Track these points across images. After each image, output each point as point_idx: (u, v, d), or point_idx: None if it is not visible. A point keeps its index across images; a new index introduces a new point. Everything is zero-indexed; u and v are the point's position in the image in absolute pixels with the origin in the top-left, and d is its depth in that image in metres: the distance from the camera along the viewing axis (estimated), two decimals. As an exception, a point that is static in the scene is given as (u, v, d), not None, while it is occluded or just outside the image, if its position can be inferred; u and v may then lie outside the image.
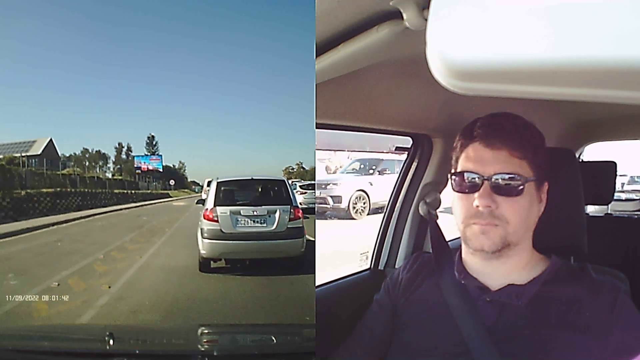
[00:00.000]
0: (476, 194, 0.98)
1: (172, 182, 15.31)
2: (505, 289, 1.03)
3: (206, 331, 1.97)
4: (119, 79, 17.28)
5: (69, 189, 10.97)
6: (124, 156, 15.09)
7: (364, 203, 9.62)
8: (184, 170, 16.46)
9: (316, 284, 1.80)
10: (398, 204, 2.02)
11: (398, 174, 2.09)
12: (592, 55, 0.36)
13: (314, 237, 5.69)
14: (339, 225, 9.05)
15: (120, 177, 14.30)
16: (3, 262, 5.15)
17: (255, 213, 4.72)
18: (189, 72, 17.97)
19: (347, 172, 10.98)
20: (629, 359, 0.89)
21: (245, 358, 1.56)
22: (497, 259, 1.02)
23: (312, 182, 11.58)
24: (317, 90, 1.32)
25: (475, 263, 1.07)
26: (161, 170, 14.57)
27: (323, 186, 9.70)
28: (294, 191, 5.42)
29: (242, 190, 5.26)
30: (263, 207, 4.76)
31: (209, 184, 6.32)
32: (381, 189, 8.83)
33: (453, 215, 1.06)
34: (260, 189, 5.24)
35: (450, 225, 1.15)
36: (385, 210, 2.10)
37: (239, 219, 4.70)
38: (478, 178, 0.99)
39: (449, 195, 1.10)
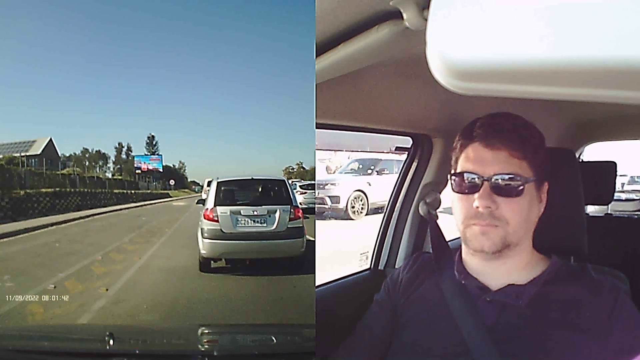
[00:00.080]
0: (476, 195, 0.98)
1: (172, 182, 15.31)
2: (505, 289, 1.03)
3: (206, 331, 1.97)
4: (119, 79, 17.26)
5: (68, 189, 10.95)
6: (124, 156, 15.09)
7: (362, 203, 9.61)
8: (184, 170, 16.47)
9: (316, 284, 1.80)
10: (398, 204, 2.02)
11: (398, 174, 2.09)
12: (592, 55, 0.36)
13: (314, 237, 5.69)
14: (339, 226, 9.04)
15: (120, 177, 14.30)
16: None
17: (255, 213, 4.72)
18: (189, 72, 17.94)
19: (345, 172, 10.96)
20: (629, 359, 0.89)
21: (245, 358, 1.56)
22: (497, 259, 1.02)
23: (312, 182, 11.57)
24: (317, 90, 1.32)
25: (475, 263, 1.07)
26: (161, 170, 14.56)
27: (321, 186, 9.69)
28: (294, 191, 5.42)
29: (242, 190, 5.26)
30: (263, 207, 4.76)
31: (209, 184, 6.32)
32: (379, 189, 8.84)
33: (453, 216, 1.06)
34: (260, 189, 5.23)
35: (450, 225, 1.15)
36: (385, 210, 2.10)
37: (239, 219, 4.70)
38: (478, 179, 0.98)
39: (449, 195, 1.10)
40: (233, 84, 17.62)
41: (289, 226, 4.73)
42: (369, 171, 10.37)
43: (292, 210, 4.78)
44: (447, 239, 1.31)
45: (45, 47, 16.49)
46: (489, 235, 0.98)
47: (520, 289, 1.02)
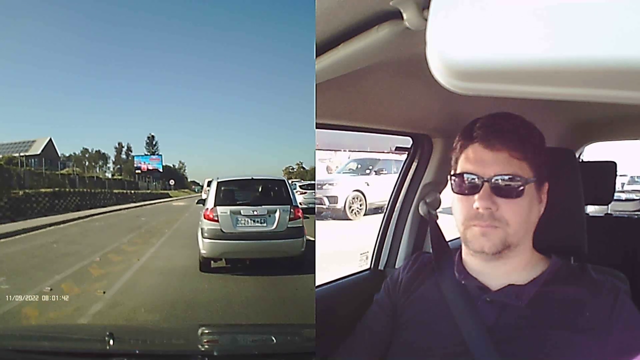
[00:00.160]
0: (476, 196, 0.98)
1: (172, 182, 15.31)
2: (506, 289, 1.03)
3: (206, 331, 1.97)
4: (119, 79, 17.27)
5: (68, 189, 10.93)
6: (123, 156, 15.09)
7: (360, 203, 9.60)
8: (184, 170, 16.47)
9: (316, 284, 1.80)
10: (398, 204, 2.02)
11: (398, 174, 2.09)
12: (592, 55, 0.36)
13: (314, 237, 5.69)
14: (339, 226, 9.03)
15: (120, 177, 14.29)
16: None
17: (255, 213, 4.72)
18: (189, 72, 17.98)
19: (343, 172, 10.94)
20: (629, 359, 0.89)
21: (245, 358, 1.56)
22: (497, 259, 1.02)
23: (312, 182, 11.56)
24: (317, 90, 1.32)
25: (475, 263, 1.07)
26: (161, 170, 14.56)
27: (319, 186, 9.67)
28: (294, 191, 5.43)
29: (242, 190, 5.26)
30: (263, 206, 4.76)
31: (209, 184, 6.32)
32: (378, 189, 8.84)
33: (453, 216, 1.06)
34: (260, 189, 5.24)
35: (450, 225, 1.15)
36: (385, 210, 2.10)
37: (239, 219, 4.70)
38: (478, 179, 0.98)
39: (449, 196, 1.10)
40: (233, 84, 17.66)
41: (289, 226, 4.73)
42: (367, 171, 10.36)
43: (292, 210, 4.78)
44: (447, 239, 1.31)
45: (45, 47, 16.52)
46: (489, 236, 0.98)
47: (520, 289, 1.02)
